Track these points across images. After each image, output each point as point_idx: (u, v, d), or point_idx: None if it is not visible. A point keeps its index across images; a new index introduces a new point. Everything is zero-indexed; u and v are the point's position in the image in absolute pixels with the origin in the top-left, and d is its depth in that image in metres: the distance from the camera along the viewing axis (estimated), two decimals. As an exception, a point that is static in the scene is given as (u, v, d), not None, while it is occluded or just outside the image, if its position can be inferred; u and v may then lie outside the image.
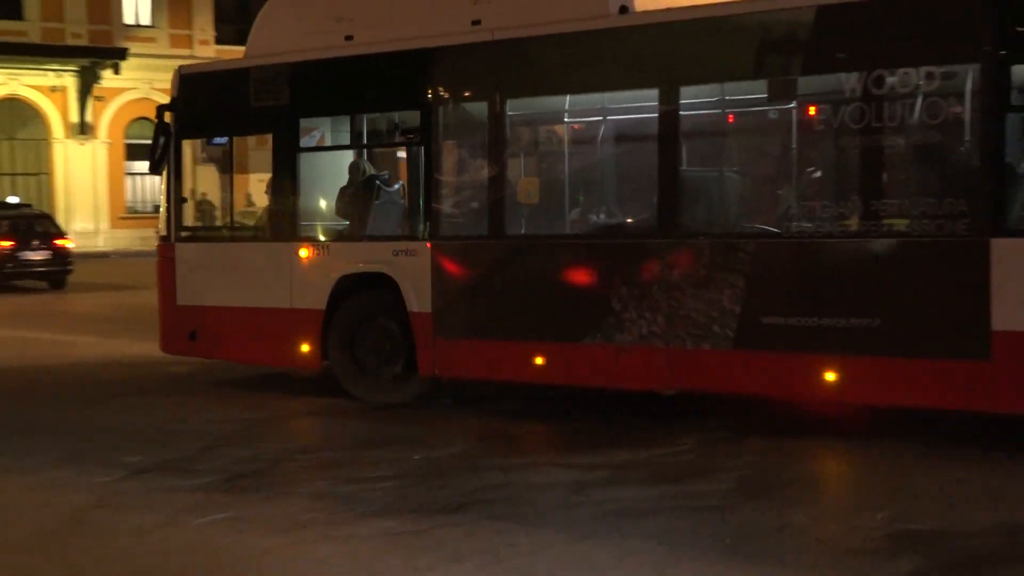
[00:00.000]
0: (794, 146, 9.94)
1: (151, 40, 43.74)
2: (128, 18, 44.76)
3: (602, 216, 11.18)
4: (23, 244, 27.54)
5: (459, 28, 10.87)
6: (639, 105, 10.39)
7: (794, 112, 9.82)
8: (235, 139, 13.23)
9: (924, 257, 8.83)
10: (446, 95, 11.28)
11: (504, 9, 10.80)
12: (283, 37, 12.37)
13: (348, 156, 12.33)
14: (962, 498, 7.30)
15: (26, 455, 9.55)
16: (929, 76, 8.59)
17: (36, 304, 23.17)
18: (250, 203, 13.87)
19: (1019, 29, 8.42)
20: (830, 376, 9.14)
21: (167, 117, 12.74)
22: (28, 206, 32.63)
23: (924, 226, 8.70)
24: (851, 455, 8.84)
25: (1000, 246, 8.24)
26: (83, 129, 42.39)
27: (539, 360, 10.63)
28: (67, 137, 42.61)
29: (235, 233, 13.25)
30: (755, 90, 9.91)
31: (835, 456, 8.91)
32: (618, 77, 10.54)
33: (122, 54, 41.07)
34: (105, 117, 43.37)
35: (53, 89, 42.14)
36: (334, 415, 10.63)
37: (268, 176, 12.66)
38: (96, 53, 41.77)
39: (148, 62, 42.49)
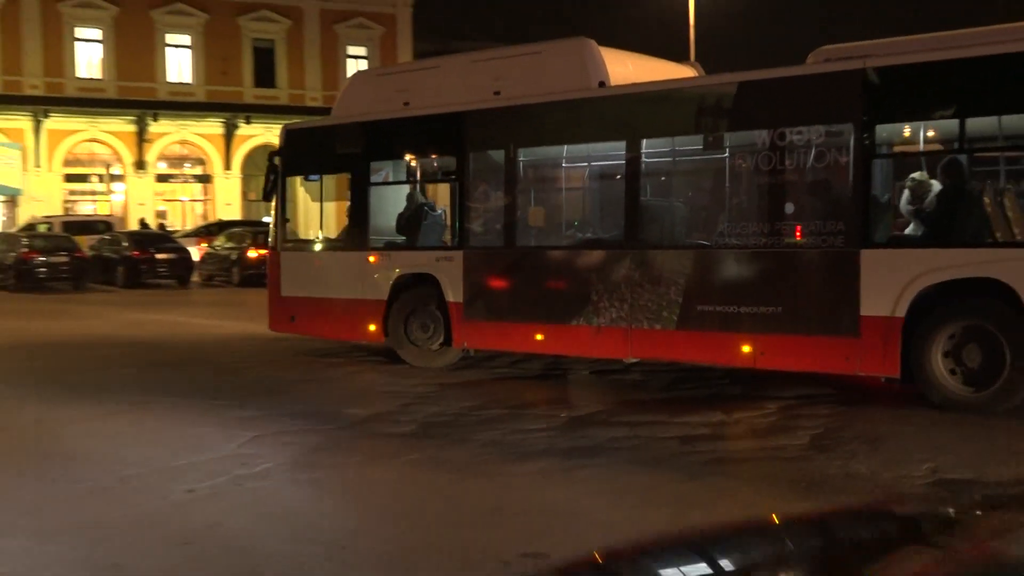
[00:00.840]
0: (722, 182, 11.35)
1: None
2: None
3: (585, 232, 12.96)
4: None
5: (484, 98, 12.63)
6: (612, 153, 11.98)
7: (722, 158, 11.25)
8: (324, 176, 14.66)
9: (813, 262, 10.23)
10: (474, 145, 12.89)
11: (516, 84, 12.47)
12: (359, 104, 14.17)
13: (405, 189, 14.03)
14: (991, 456, 7.73)
15: (274, 408, 10.16)
16: (817, 133, 10.06)
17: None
18: (334, 222, 15.06)
19: (878, 101, 9.85)
20: (746, 348, 10.43)
21: (276, 161, 14.69)
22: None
23: (813, 240, 10.10)
24: (901, 420, 9.27)
25: (866, 255, 9.65)
26: None
27: (539, 336, 12.11)
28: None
29: (324, 244, 14.72)
30: (694, 142, 11.53)
31: (888, 420, 9.30)
32: (597, 132, 12.14)
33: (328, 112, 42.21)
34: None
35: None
36: (496, 383, 11.25)
37: (347, 203, 14.31)
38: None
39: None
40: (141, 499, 6.89)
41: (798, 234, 10.23)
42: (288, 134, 14.95)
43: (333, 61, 47.72)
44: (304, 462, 7.91)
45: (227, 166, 45.32)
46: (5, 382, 12.26)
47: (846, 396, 10.19)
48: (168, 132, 44.17)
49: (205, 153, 45.71)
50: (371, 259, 13.40)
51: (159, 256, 29.96)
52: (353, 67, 48.03)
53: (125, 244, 30.18)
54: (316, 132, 15.41)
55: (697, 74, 12.75)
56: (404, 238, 13.55)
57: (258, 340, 15.80)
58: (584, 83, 11.73)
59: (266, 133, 44.64)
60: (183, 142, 45.43)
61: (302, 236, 15.51)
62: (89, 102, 42.57)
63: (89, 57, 44.38)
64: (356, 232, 13.89)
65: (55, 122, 42.16)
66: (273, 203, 14.85)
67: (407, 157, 13.90)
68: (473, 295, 12.41)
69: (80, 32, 44.05)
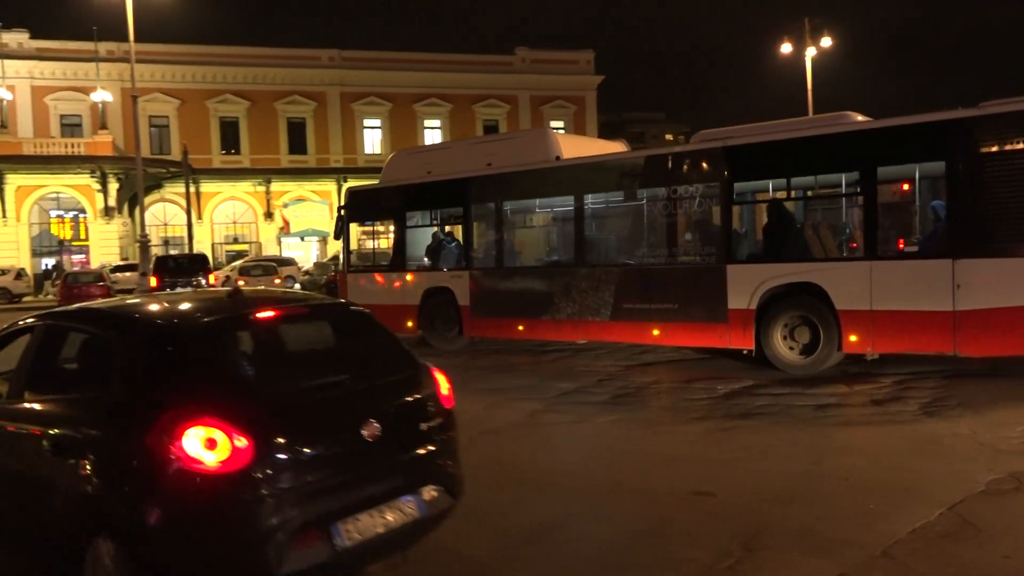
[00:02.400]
0: (639, 221, 12.21)
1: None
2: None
3: (549, 256, 13.84)
4: None
5: (481, 168, 13.71)
6: (565, 203, 12.84)
7: (638, 205, 12.13)
8: (375, 222, 15.88)
9: (697, 273, 11.08)
10: (474, 199, 13.88)
11: (502, 159, 13.56)
12: (397, 173, 15.32)
13: (429, 229, 15.06)
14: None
15: (505, 383, 10.27)
16: (697, 188, 11.12)
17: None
18: (383, 253, 15.99)
19: (734, 167, 10.69)
20: (655, 332, 11.37)
21: (343, 212, 15.90)
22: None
23: (697, 259, 11.20)
24: (998, 390, 8.73)
25: (731, 268, 10.62)
26: None
27: (521, 327, 13.08)
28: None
29: (376, 267, 15.69)
30: (619, 195, 12.51)
31: (986, 392, 8.64)
32: (555, 189, 13.04)
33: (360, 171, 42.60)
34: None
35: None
36: (666, 364, 10.87)
37: (391, 240, 15.45)
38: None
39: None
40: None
41: (687, 255, 11.45)
42: (351, 194, 16.27)
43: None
44: (529, 422, 7.97)
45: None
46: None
47: (949, 373, 9.44)
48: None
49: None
50: (408, 277, 14.65)
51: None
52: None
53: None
54: (369, 192, 16.48)
55: (624, 149, 13.76)
56: (429, 263, 14.69)
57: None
58: (546, 158, 12.95)
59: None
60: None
61: (361, 263, 16.37)
62: (374, 170, 44.27)
63: (373, 139, 46.56)
64: (397, 259, 15.00)
65: (351, 183, 44.10)
66: (341, 241, 16.05)
67: (430, 208, 14.95)
68: (476, 301, 13.54)
69: (367, 122, 46.34)
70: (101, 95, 38.05)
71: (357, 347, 4.61)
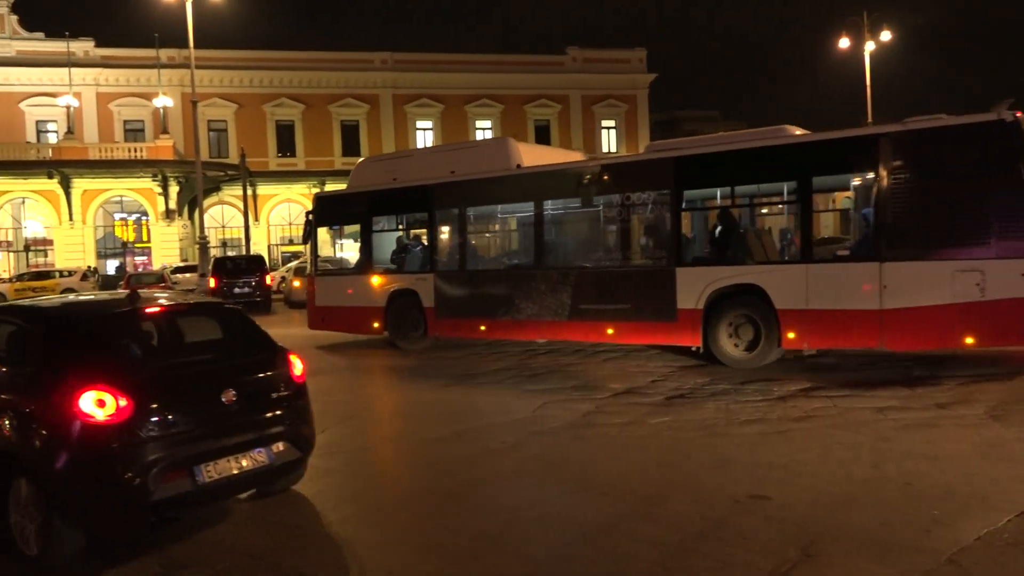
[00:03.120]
0: (595, 226, 12.90)
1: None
2: (605, 147, 47.10)
3: (509, 259, 14.30)
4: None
5: (444, 175, 14.08)
6: (525, 209, 13.30)
7: (595, 211, 12.72)
8: (342, 227, 16.66)
9: (649, 276, 11.70)
10: (438, 205, 14.25)
11: (465, 166, 13.94)
12: (364, 180, 15.62)
13: (395, 234, 15.44)
14: None
15: (556, 384, 10.13)
16: (649, 196, 11.76)
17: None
18: (350, 256, 16.53)
19: (683, 177, 11.38)
20: (610, 331, 11.94)
21: (310, 217, 16.00)
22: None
23: (649, 262, 11.91)
24: None
25: (680, 271, 11.25)
26: None
27: (483, 327, 13.48)
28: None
29: (343, 270, 16.29)
30: (577, 201, 12.92)
31: None
32: (515, 196, 13.47)
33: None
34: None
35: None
36: (719, 366, 10.30)
37: (358, 244, 15.69)
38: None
39: None
40: (468, 446, 7.15)
41: (641, 258, 12.15)
42: (318, 199, 16.57)
43: (591, 132, 48.12)
44: (582, 422, 7.94)
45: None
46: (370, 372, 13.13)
47: (1014, 375, 9.14)
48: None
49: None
50: (374, 280, 14.77)
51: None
52: (606, 136, 48.33)
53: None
54: (337, 198, 17.09)
55: (582, 158, 14.42)
56: (395, 266, 14.97)
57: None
58: (507, 166, 13.39)
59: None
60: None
61: (329, 266, 16.74)
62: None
63: (425, 140, 46.78)
64: (364, 262, 15.21)
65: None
66: (308, 244, 16.33)
67: (396, 213, 15.35)
68: (440, 302, 13.92)
69: (419, 124, 46.69)
70: (162, 101, 39.10)
71: (226, 335, 5.90)
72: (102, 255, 40.64)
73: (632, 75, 48.29)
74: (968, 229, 9.24)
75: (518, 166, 13.34)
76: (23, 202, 39.20)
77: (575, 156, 14.76)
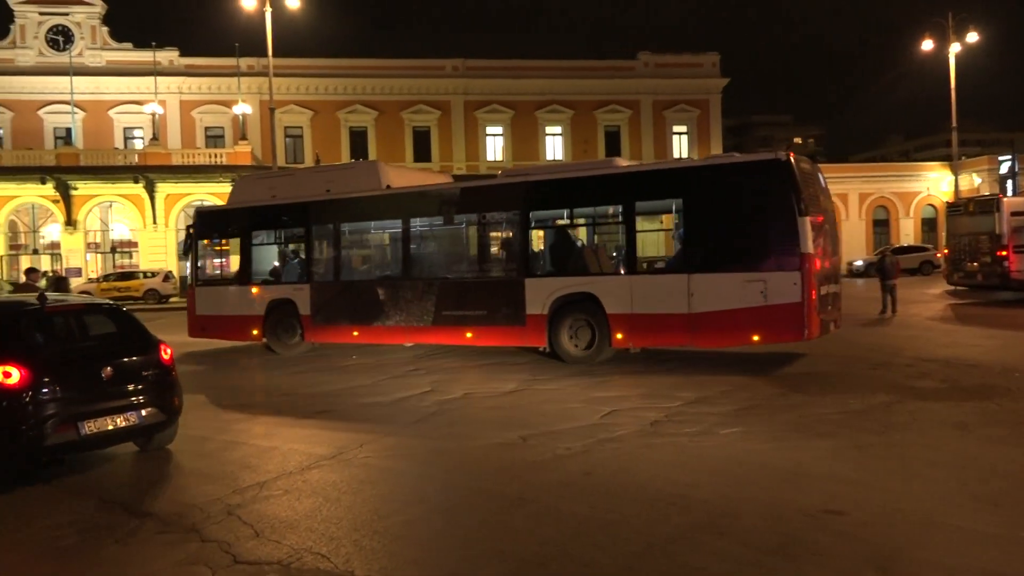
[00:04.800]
0: (456, 242, 14.42)
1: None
2: (675, 153, 46.72)
3: (379, 271, 15.44)
4: None
5: (320, 193, 15.30)
6: (393, 225, 14.76)
7: (455, 228, 14.22)
8: (222, 239, 17.27)
9: (502, 286, 13.22)
10: (315, 221, 15.40)
11: (340, 186, 15.21)
12: (244, 196, 16.65)
13: (274, 247, 16.53)
14: None
15: (622, 391, 9.81)
16: (503, 215, 13.54)
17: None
18: (229, 268, 17.28)
19: (531, 199, 13.10)
20: (469, 335, 13.39)
21: (191, 230, 16.74)
22: None
23: (502, 274, 13.42)
24: None
25: (528, 281, 12.89)
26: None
27: (355, 333, 14.72)
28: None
29: (224, 281, 16.87)
30: (440, 219, 14.28)
31: None
32: (385, 214, 14.86)
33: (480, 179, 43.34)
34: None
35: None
36: (794, 377, 9.93)
37: (237, 256, 16.41)
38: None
39: None
40: (534, 452, 7.14)
41: (496, 271, 13.62)
42: (199, 214, 17.41)
43: (663, 138, 47.64)
44: (649, 431, 7.84)
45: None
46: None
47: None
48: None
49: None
50: (253, 290, 15.76)
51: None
52: (678, 143, 47.85)
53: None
54: (218, 212, 18.39)
55: (449, 181, 16.11)
56: (273, 277, 16.09)
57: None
58: (377, 186, 14.71)
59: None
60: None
61: (208, 276, 17.21)
62: (494, 177, 44.82)
63: (495, 146, 47.22)
64: (243, 273, 16.12)
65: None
66: (189, 257, 16.96)
67: (275, 228, 16.32)
68: (315, 310, 15.03)
69: (489, 129, 47.03)
70: (242, 108, 40.31)
71: (111, 328, 7.72)
72: (183, 257, 42.03)
73: (705, 80, 47.68)
74: (754, 247, 11.14)
75: (388, 187, 14.74)
76: (110, 206, 40.88)
77: (441, 179, 17.14)
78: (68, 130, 42.04)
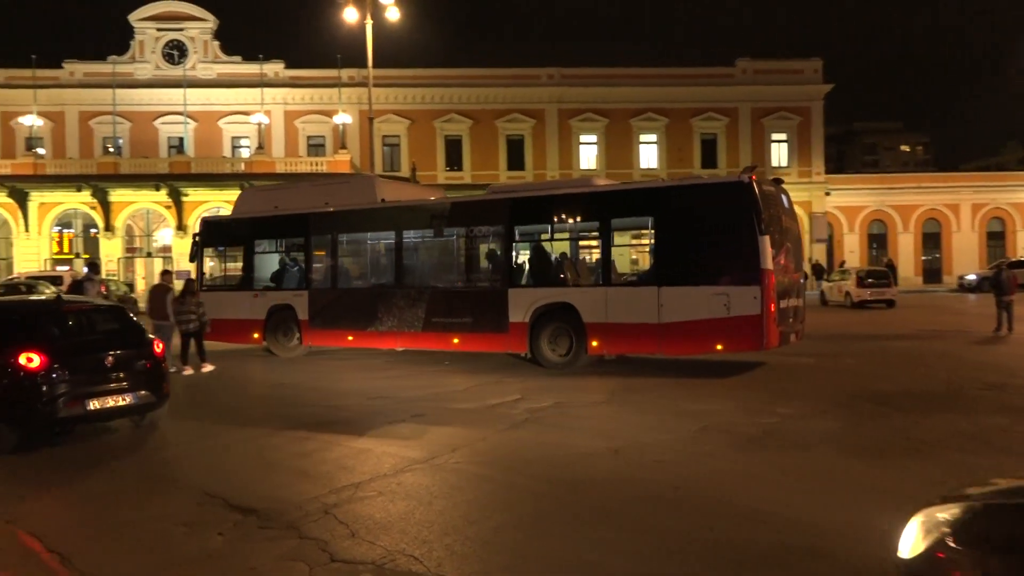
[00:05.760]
0: (446, 253, 15.17)
1: (786, 174, 44.59)
2: (775, 162, 46.08)
3: (373, 279, 16.08)
4: None
5: (320, 206, 16.38)
6: (387, 237, 15.69)
7: (446, 240, 15.03)
8: (227, 248, 18.03)
9: (487, 295, 14.09)
10: (314, 232, 16.43)
11: (337, 199, 16.29)
12: (248, 207, 17.90)
13: (275, 255, 17.42)
14: None
15: (714, 405, 9.47)
16: (489, 229, 14.36)
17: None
18: (233, 274, 17.88)
19: (514, 215, 14.02)
20: (455, 340, 14.33)
21: (197, 239, 17.81)
22: None
23: (487, 284, 14.31)
24: None
25: (512, 291, 13.78)
26: None
27: (350, 337, 15.73)
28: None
29: (228, 287, 17.63)
30: (430, 232, 15.23)
31: None
32: (379, 225, 15.86)
33: (780, 182, 41.56)
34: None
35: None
36: (900, 396, 9.45)
37: (241, 263, 17.58)
38: None
39: (785, 187, 42.09)
40: (624, 464, 7.09)
41: (482, 281, 14.48)
42: (205, 223, 18.67)
43: (760, 145, 46.52)
44: (743, 446, 7.65)
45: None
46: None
47: None
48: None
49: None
50: (255, 296, 16.72)
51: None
52: (777, 151, 46.69)
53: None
54: (223, 222, 19.40)
55: (440, 196, 17.32)
56: (274, 283, 16.92)
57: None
58: (373, 200, 15.83)
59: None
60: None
61: (215, 282, 18.13)
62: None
63: (588, 154, 47.06)
64: (246, 280, 17.18)
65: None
66: (195, 263, 17.79)
67: (276, 237, 17.38)
68: (313, 315, 16.03)
69: (583, 138, 46.94)
70: (342, 118, 41.56)
71: (114, 325, 9.35)
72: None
73: (806, 86, 46.37)
74: (719, 263, 11.98)
75: (383, 200, 15.79)
76: (219, 211, 42.76)
77: (433, 193, 18.67)
78: (181, 139, 44.29)
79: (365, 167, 38.13)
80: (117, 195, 41.53)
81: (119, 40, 45.77)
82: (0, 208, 42.60)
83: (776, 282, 11.68)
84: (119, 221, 41.71)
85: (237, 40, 49.15)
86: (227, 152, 44.85)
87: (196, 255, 17.73)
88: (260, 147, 43.15)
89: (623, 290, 13.07)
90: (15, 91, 43.79)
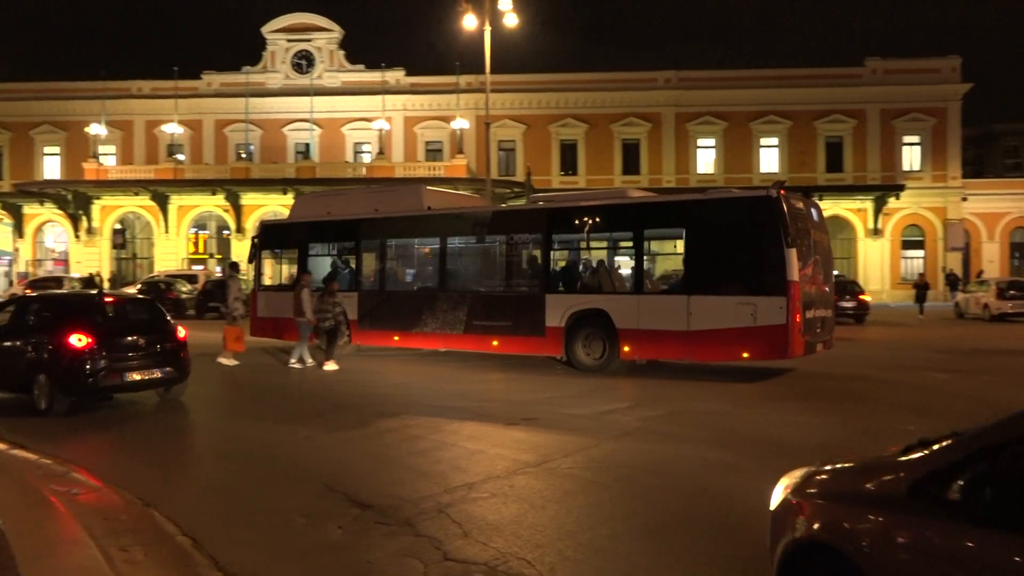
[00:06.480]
0: (488, 259, 15.80)
1: (919, 179, 41.51)
2: (906, 165, 44.08)
3: (419, 282, 16.87)
4: (840, 297, 25.73)
5: (370, 212, 17.24)
6: (433, 242, 16.32)
7: (488, 246, 15.67)
8: (282, 250, 19.06)
9: (525, 299, 14.67)
10: (364, 236, 17.21)
11: (386, 206, 16.99)
12: (303, 212, 18.80)
13: (327, 258, 18.23)
14: None
15: (827, 419, 9.20)
16: (528, 237, 14.94)
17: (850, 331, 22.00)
18: (288, 276, 18.64)
19: (552, 223, 14.67)
20: (495, 343, 14.91)
21: (256, 241, 18.82)
22: (842, 276, 31.58)
23: (525, 289, 14.85)
24: None
25: (549, 297, 14.37)
26: (875, 233, 40.61)
27: (396, 338, 16.36)
28: (865, 237, 42.94)
29: (283, 287, 18.14)
30: (473, 238, 15.96)
31: None
32: (425, 231, 16.61)
33: (901, 188, 40.64)
34: (889, 225, 42.70)
35: (858, 210, 42.03)
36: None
37: (295, 265, 18.36)
38: (885, 188, 42.29)
39: (916, 192, 42.31)
40: (743, 477, 6.84)
41: (521, 286, 15.05)
42: (263, 226, 19.90)
43: (890, 149, 44.33)
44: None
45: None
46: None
47: None
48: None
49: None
50: (307, 294, 16.40)
51: (842, 303, 25.47)
52: (908, 155, 44.45)
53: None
54: (279, 226, 20.61)
55: (484, 204, 18.61)
56: (325, 285, 16.60)
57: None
58: (420, 207, 16.45)
59: (835, 207, 42.90)
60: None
61: (271, 283, 19.04)
62: (702, 190, 43.60)
63: (706, 158, 46.04)
64: (299, 281, 17.09)
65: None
66: (253, 264, 18.94)
67: (328, 241, 18.29)
68: (362, 315, 16.72)
69: (700, 142, 45.96)
70: (459, 123, 42.30)
71: (145, 314, 11.42)
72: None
73: (942, 86, 43.83)
74: (746, 273, 12.42)
75: (428, 208, 16.42)
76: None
77: (476, 200, 19.82)
78: (307, 145, 46.18)
79: (481, 172, 38.62)
80: (248, 198, 43.76)
81: (251, 51, 48.32)
82: (143, 210, 45.64)
83: (802, 293, 12.05)
84: (249, 223, 43.82)
85: (360, 49, 50.94)
86: (349, 157, 46.44)
87: (254, 256, 18.80)
88: (380, 152, 44.45)
89: (654, 298, 13.57)
90: (159, 101, 46.80)
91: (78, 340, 10.07)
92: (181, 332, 11.14)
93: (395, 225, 16.83)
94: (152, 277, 35.88)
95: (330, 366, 14.81)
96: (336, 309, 15.24)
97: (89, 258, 44.97)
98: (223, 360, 15.47)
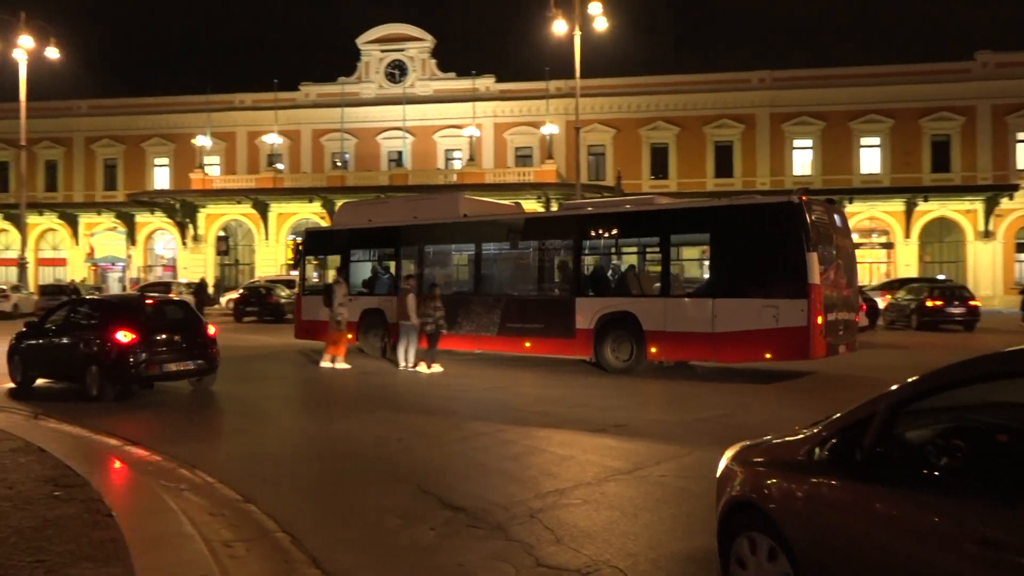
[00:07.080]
0: (522, 264, 16.41)
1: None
2: (1020, 164, 42.45)
3: (456, 287, 17.33)
4: (948, 303, 25.64)
5: (409, 219, 17.94)
6: (469, 248, 17.14)
7: (521, 252, 16.37)
8: (326, 255, 19.83)
9: (556, 303, 15.46)
10: (404, 242, 18.01)
11: (424, 213, 17.77)
12: (345, 219, 19.83)
13: (369, 264, 19.00)
14: None
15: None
16: (559, 243, 15.77)
17: (957, 339, 20.77)
18: (332, 280, 18.12)
19: (583, 229, 15.35)
20: (527, 344, 15.69)
21: (300, 247, 19.89)
22: (950, 281, 30.15)
23: (557, 293, 15.66)
24: None
25: (579, 300, 15.07)
26: (987, 235, 38.52)
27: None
28: (975, 240, 40.69)
29: (322, 291, 17.87)
30: (507, 244, 16.72)
31: None
32: (462, 237, 17.37)
33: (1015, 187, 38.36)
34: (1001, 227, 40.34)
35: (967, 211, 39.80)
36: None
37: (337, 270, 18.81)
38: (997, 188, 40.04)
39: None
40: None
41: (552, 289, 15.70)
42: (308, 233, 20.79)
43: (1003, 146, 42.10)
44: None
45: (907, 235, 42.30)
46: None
47: None
48: (859, 211, 42.18)
49: (889, 225, 43.22)
50: (350, 300, 16.81)
51: (950, 309, 25.48)
52: (1021, 151, 42.09)
53: (924, 295, 26.10)
54: (323, 232, 21.87)
55: (517, 211, 19.60)
56: (367, 289, 18.41)
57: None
58: (456, 215, 17.34)
59: (941, 208, 41.23)
60: (871, 218, 43.40)
61: (313, 286, 19.33)
62: (801, 192, 42.34)
63: (802, 160, 44.81)
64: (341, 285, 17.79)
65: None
66: (298, 269, 19.77)
67: (369, 247, 18.99)
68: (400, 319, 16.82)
69: (796, 143, 44.76)
70: (549, 128, 42.41)
71: (180, 315, 13.01)
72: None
73: (1063, 78, 41.48)
74: (769, 277, 12.80)
75: (464, 215, 17.28)
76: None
77: (511, 210, 20.54)
78: (400, 153, 47.19)
79: (571, 176, 38.58)
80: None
81: (346, 62, 49.72)
82: (245, 218, 47.51)
83: (824, 296, 12.36)
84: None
85: (451, 57, 51.55)
86: (440, 164, 47.17)
87: (299, 262, 19.72)
88: (471, 159, 44.98)
89: (680, 301, 13.97)
90: (260, 112, 48.72)
91: (124, 336, 11.63)
92: (211, 330, 12.70)
93: (432, 231, 17.61)
94: (253, 282, 37.26)
95: (432, 368, 14.98)
96: (437, 314, 15.39)
97: (195, 264, 47.15)
98: (327, 364, 15.83)
